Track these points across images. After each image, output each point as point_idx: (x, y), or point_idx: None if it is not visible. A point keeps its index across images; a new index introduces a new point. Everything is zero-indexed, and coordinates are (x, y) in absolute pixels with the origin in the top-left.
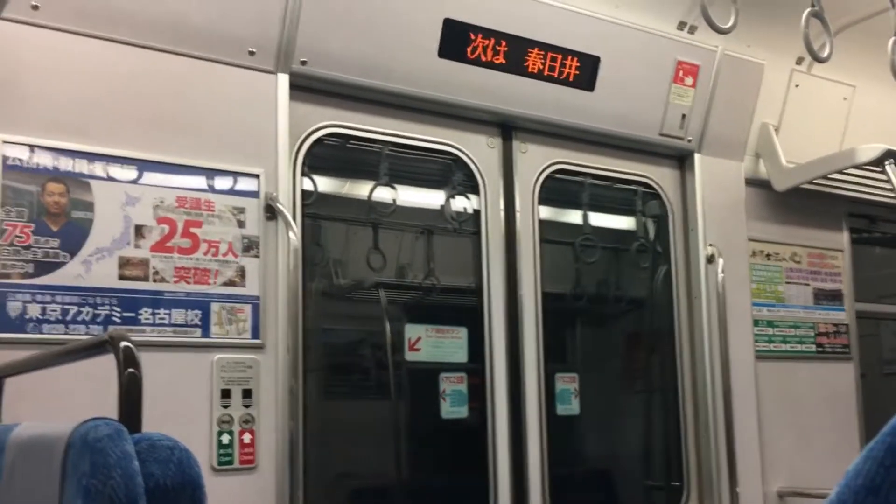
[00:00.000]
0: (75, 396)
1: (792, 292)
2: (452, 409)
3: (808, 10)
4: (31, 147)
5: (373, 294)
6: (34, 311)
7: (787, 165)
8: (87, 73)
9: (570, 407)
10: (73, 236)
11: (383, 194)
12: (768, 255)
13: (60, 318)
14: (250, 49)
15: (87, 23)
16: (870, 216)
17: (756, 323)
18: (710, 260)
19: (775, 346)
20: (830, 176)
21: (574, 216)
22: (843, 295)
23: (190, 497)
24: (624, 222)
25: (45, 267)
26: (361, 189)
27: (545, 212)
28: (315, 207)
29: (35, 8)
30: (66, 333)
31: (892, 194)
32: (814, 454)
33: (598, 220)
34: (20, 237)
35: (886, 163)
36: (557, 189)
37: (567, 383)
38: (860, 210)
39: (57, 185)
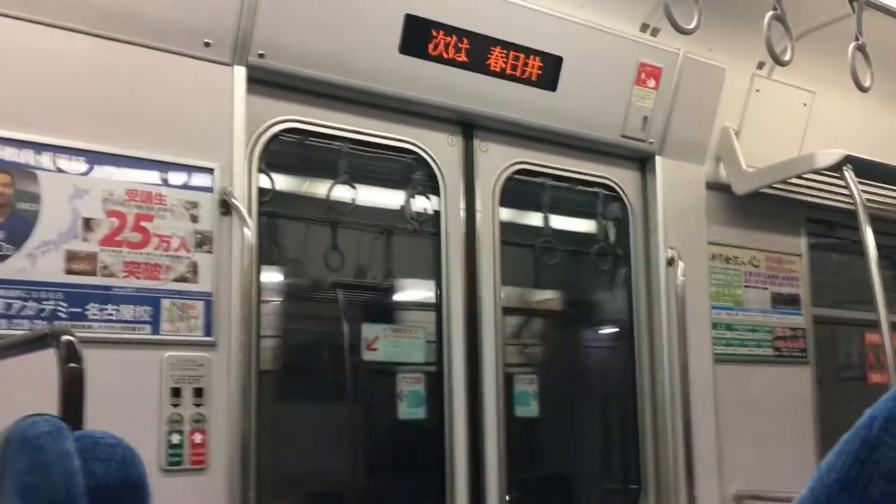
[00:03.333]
0: (18, 394)
1: (750, 296)
2: (410, 409)
3: (770, 13)
4: None
5: (330, 293)
6: None
7: (748, 169)
8: (37, 62)
9: (528, 409)
10: (18, 228)
11: (342, 193)
12: (727, 259)
13: (3, 312)
14: (206, 40)
15: (37, 10)
16: (828, 221)
17: (714, 326)
18: (670, 263)
19: (733, 349)
20: (790, 181)
21: (535, 218)
22: (800, 299)
23: (134, 497)
24: (584, 224)
25: None
26: (320, 187)
27: (506, 213)
28: (272, 205)
29: None
30: (9, 329)
31: (850, 200)
32: (770, 457)
33: (559, 221)
34: None
35: (845, 168)
36: (518, 190)
37: (526, 385)
38: (819, 215)
39: (2, 176)
